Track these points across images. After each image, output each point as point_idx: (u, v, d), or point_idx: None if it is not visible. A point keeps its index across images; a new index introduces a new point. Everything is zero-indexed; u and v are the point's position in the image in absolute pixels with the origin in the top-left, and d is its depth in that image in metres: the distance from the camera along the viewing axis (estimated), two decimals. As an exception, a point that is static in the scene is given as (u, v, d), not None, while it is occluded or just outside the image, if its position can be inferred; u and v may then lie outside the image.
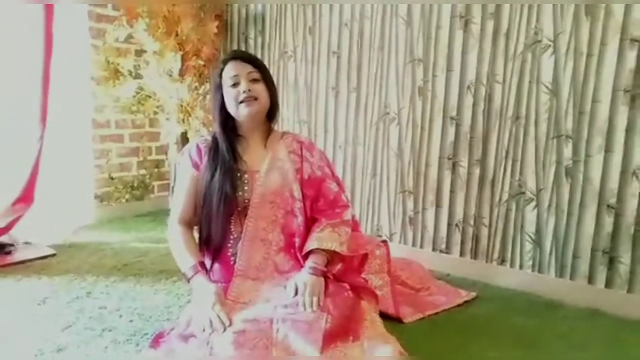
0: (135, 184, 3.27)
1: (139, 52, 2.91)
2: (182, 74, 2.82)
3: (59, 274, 2.14)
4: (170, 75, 2.75)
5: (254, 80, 1.55)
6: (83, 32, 2.81)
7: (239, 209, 1.55)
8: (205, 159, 1.58)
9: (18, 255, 2.33)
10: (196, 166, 1.60)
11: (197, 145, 1.63)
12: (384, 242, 1.88)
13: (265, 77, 1.59)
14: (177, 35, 2.75)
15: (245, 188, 1.56)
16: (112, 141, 3.11)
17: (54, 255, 2.38)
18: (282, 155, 1.61)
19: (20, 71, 2.49)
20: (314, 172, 1.63)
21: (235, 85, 1.54)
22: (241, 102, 1.53)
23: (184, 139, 2.97)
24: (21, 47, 2.47)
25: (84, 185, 2.97)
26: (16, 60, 2.48)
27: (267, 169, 1.58)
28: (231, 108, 1.56)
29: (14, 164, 2.51)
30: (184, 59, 2.82)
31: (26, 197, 2.47)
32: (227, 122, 1.60)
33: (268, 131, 1.66)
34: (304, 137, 1.74)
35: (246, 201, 1.55)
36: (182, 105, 2.78)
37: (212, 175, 1.54)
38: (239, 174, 1.56)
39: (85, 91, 2.85)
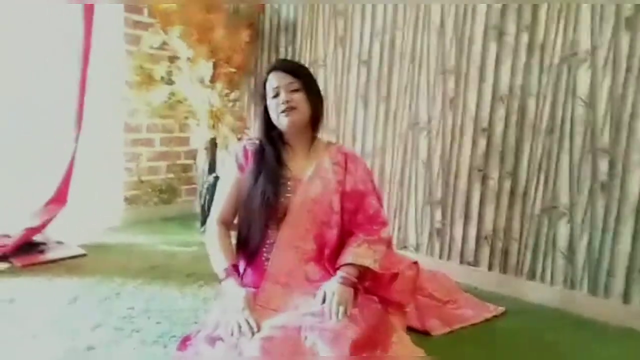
0: (164, 188, 3.32)
1: (172, 59, 2.96)
2: (213, 80, 2.86)
3: (89, 274, 2.19)
4: (202, 82, 2.79)
5: (294, 91, 1.56)
6: (119, 38, 2.89)
7: (279, 215, 1.56)
8: (251, 161, 1.60)
9: (50, 254, 2.39)
10: (241, 168, 1.62)
11: (245, 148, 1.64)
12: (415, 263, 1.86)
13: (307, 86, 1.59)
14: (209, 43, 2.80)
15: (288, 195, 1.57)
16: (143, 145, 3.17)
17: (84, 255, 2.43)
18: (326, 165, 1.62)
19: (59, 75, 2.57)
20: (356, 185, 1.63)
21: (276, 96, 1.56)
22: (281, 112, 1.55)
23: (213, 144, 3.01)
24: (61, 51, 2.55)
25: (114, 187, 3.03)
26: (56, 63, 2.56)
27: (311, 177, 1.59)
28: (273, 118, 1.58)
29: (49, 164, 2.58)
30: (215, 66, 2.86)
31: (60, 198, 2.53)
32: (272, 131, 1.61)
33: (312, 139, 1.67)
34: (349, 149, 1.74)
35: (286, 207, 1.56)
36: (212, 112, 2.82)
37: (256, 179, 1.55)
38: (282, 180, 1.57)
39: (119, 95, 2.92)
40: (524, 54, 2.13)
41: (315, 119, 1.63)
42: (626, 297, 1.93)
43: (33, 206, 2.50)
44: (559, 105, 2.06)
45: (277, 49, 3.06)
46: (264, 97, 1.61)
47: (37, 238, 2.46)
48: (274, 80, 1.57)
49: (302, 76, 1.59)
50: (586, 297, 2.02)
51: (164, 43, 2.80)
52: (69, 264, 2.30)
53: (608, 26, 1.92)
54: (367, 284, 1.57)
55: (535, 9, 2.08)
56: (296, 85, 1.56)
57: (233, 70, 2.95)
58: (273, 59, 3.08)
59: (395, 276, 1.68)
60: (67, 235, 2.59)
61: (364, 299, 1.50)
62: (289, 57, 2.99)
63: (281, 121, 1.56)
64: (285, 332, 1.31)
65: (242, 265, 1.60)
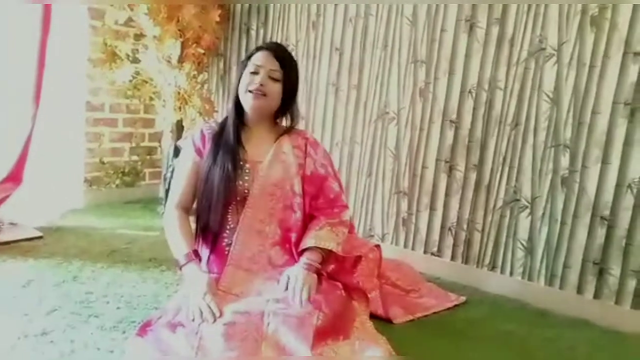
0: (127, 170, 3.23)
1: (138, 36, 2.86)
2: (181, 61, 2.78)
3: (45, 256, 2.10)
4: (169, 62, 2.71)
5: (273, 79, 1.54)
6: (82, 12, 2.76)
7: (238, 198, 1.54)
8: (208, 145, 1.57)
9: (3, 236, 2.28)
10: (199, 152, 1.59)
11: (202, 132, 1.61)
12: (377, 246, 1.88)
13: (288, 80, 1.56)
14: (178, 21, 2.71)
15: (246, 178, 1.55)
16: (106, 125, 3.06)
17: (40, 237, 2.33)
18: (286, 149, 1.60)
19: (15, 48, 2.43)
20: (316, 169, 1.63)
21: (254, 73, 1.53)
22: (250, 91, 1.52)
23: (179, 127, 2.93)
24: (18, 23, 2.42)
25: (74, 168, 2.92)
26: (12, 37, 2.43)
27: (270, 161, 1.57)
28: (240, 92, 1.56)
29: (4, 142, 2.46)
30: (183, 46, 2.78)
31: (15, 177, 2.43)
32: (239, 106, 1.58)
33: (276, 128, 1.65)
34: (310, 134, 1.72)
35: (246, 191, 1.54)
36: (179, 93, 2.74)
37: (215, 160, 1.52)
38: (240, 163, 1.54)
39: (81, 72, 2.81)
40: (494, 47, 2.15)
41: (281, 112, 1.61)
42: (580, 289, 2.01)
43: (-15, 185, 2.38)
44: (524, 100, 2.10)
45: (248, 31, 2.99)
46: (243, 68, 1.57)
47: (-11, 219, 2.36)
48: (260, 59, 1.54)
49: (288, 68, 1.57)
50: (543, 288, 2.09)
51: (130, 19, 2.70)
52: (23, 246, 2.21)
53: (574, 23, 1.96)
54: (330, 269, 1.57)
55: (505, 3, 2.11)
56: (278, 74, 1.54)
57: (202, 51, 2.88)
58: (244, 42, 3.02)
59: (359, 259, 1.69)
60: (23, 217, 2.49)
61: (327, 285, 1.50)
62: (260, 40, 2.94)
63: (247, 99, 1.54)
64: (247, 318, 1.30)
65: (203, 252, 1.58)
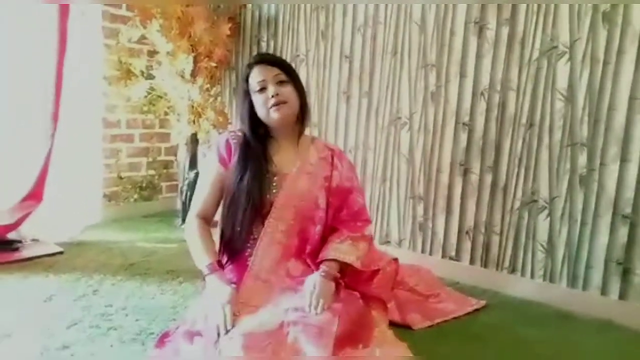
0: (144, 184, 3.27)
1: (152, 53, 2.92)
2: (194, 75, 2.82)
3: (66, 271, 2.14)
4: (182, 77, 2.75)
5: (282, 83, 1.51)
6: (97, 32, 2.83)
7: (264, 211, 1.52)
8: (235, 157, 1.54)
9: (25, 252, 2.33)
10: (223, 162, 1.56)
11: (228, 141, 1.58)
12: (395, 259, 1.86)
13: (294, 78, 1.55)
14: (190, 36, 2.76)
15: (274, 191, 1.53)
16: (122, 141, 3.12)
17: (61, 253, 2.38)
18: (312, 160, 1.59)
19: (33, 69, 2.50)
20: (342, 182, 1.62)
21: (262, 90, 1.51)
22: (271, 107, 1.49)
23: (194, 140, 2.97)
24: (35, 45, 2.49)
25: (93, 184, 2.97)
26: (30, 58, 2.50)
27: (297, 173, 1.56)
28: (261, 114, 1.53)
29: (24, 160, 2.52)
30: (196, 61, 2.82)
31: (35, 194, 2.48)
32: (258, 127, 1.56)
33: (299, 133, 1.62)
34: (335, 145, 1.71)
35: (272, 202, 1.53)
36: (193, 107, 2.78)
37: (242, 176, 1.50)
38: (268, 177, 1.52)
39: (97, 90, 2.87)
40: (504, 48, 2.14)
41: (303, 112, 1.59)
42: (604, 289, 1.96)
43: (7, 203, 2.44)
44: (538, 100, 2.07)
45: (259, 43, 3.03)
46: (247, 93, 1.55)
47: (12, 236, 2.41)
48: (259, 74, 1.51)
49: (287, 68, 1.56)
50: (565, 289, 2.04)
51: (144, 37, 2.76)
52: (45, 262, 2.25)
53: (586, 20, 1.94)
54: (347, 279, 1.56)
55: (515, 3, 2.09)
56: (283, 77, 1.52)
57: (214, 64, 2.92)
58: (255, 53, 3.05)
59: (376, 272, 1.67)
60: (43, 233, 2.54)
61: (346, 294, 1.49)
62: (270, 52, 2.96)
63: (271, 116, 1.51)
64: (266, 328, 1.30)
65: (224, 260, 1.57)
